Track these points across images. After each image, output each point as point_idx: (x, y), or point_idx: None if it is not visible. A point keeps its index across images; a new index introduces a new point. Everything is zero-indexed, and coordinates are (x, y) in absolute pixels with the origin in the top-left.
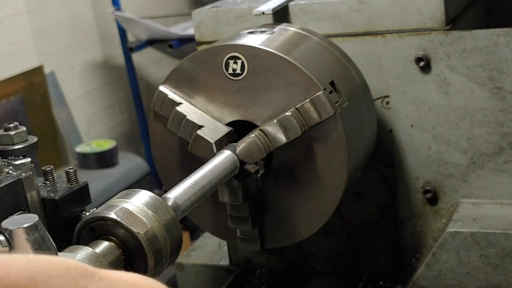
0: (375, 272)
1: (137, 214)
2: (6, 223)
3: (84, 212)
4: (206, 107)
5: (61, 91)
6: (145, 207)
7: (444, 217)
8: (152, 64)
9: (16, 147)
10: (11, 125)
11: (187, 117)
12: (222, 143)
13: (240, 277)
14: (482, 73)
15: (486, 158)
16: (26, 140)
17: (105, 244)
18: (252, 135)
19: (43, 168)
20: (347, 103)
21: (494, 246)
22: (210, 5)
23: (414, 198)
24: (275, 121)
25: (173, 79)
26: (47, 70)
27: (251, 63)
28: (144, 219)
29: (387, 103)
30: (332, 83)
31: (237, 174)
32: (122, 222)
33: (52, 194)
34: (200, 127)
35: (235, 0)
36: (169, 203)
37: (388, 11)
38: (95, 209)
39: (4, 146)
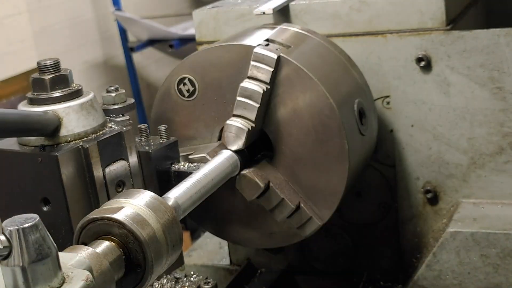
0: (376, 272)
1: (138, 214)
2: (7, 223)
3: (173, 165)
4: (191, 140)
5: None
6: (146, 207)
7: (444, 217)
8: (152, 64)
9: (116, 106)
10: (112, 87)
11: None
12: (217, 152)
13: (241, 277)
14: (482, 73)
15: (486, 158)
16: (125, 101)
17: (106, 243)
18: (229, 123)
19: (138, 126)
20: (291, 46)
21: (495, 246)
22: (210, 5)
23: (414, 198)
24: (237, 99)
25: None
26: None
27: (197, 73)
28: (145, 219)
29: (388, 103)
30: (269, 40)
31: (244, 165)
32: (123, 222)
33: (146, 148)
34: (189, 154)
35: (235, 0)
36: (170, 203)
37: (389, 11)
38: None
39: (107, 106)
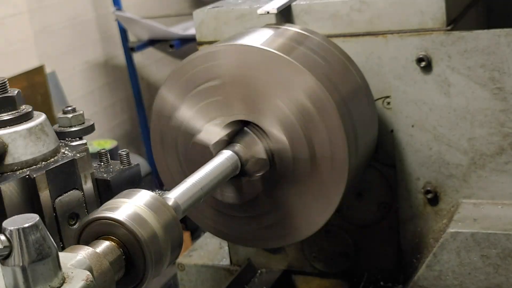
0: (376, 272)
1: (138, 214)
2: (7, 223)
3: None
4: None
5: (62, 91)
6: (146, 207)
7: (445, 218)
8: (153, 64)
9: (73, 129)
10: (69, 108)
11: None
12: (220, 146)
13: (241, 277)
14: (483, 74)
15: (487, 158)
16: (83, 123)
17: (106, 243)
18: (252, 135)
19: (98, 150)
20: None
21: (495, 247)
22: (211, 5)
23: (415, 199)
24: (275, 120)
25: (172, 80)
26: (48, 70)
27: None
28: (145, 219)
29: (388, 103)
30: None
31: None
32: (123, 222)
33: (105, 175)
34: (197, 133)
35: (236, 0)
36: (170, 203)
37: (389, 11)
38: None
39: (62, 128)
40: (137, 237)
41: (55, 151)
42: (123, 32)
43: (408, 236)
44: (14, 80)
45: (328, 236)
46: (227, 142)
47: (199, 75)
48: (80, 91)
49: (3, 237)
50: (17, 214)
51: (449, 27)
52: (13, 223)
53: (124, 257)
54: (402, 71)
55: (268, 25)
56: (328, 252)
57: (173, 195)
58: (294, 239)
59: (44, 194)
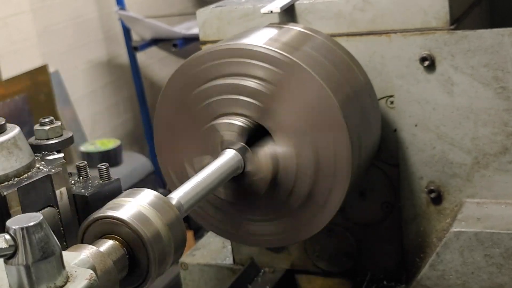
0: (379, 271)
1: (141, 213)
2: (11, 222)
3: None
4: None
5: (65, 90)
6: (149, 206)
7: (448, 217)
8: (156, 63)
9: (50, 142)
10: (47, 119)
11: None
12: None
13: (244, 277)
14: (486, 73)
15: (490, 158)
16: (60, 135)
17: (109, 242)
18: (229, 121)
19: (76, 164)
20: (296, 46)
21: (498, 246)
22: (214, 5)
23: (418, 198)
24: (238, 97)
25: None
26: (51, 69)
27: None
28: (149, 218)
29: (391, 102)
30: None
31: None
32: (126, 221)
33: (83, 191)
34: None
35: (239, 0)
36: (173, 203)
37: (393, 10)
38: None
39: (39, 141)
40: (141, 236)
41: (29, 166)
42: (126, 32)
43: (411, 235)
44: (17, 79)
45: (331, 235)
46: (231, 142)
47: (203, 74)
48: (83, 90)
49: (8, 236)
50: None
51: (452, 27)
52: (17, 222)
53: (127, 256)
54: (405, 70)
55: (271, 25)
56: (331, 251)
57: (176, 195)
58: (297, 239)
59: (16, 213)
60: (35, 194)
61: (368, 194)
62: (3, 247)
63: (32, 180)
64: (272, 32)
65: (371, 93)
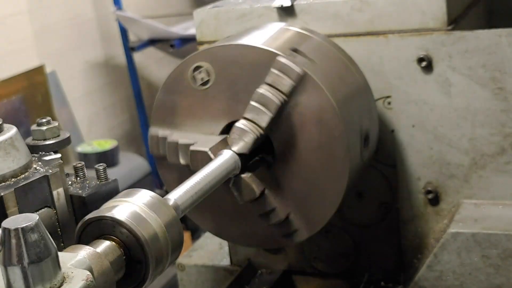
0: (377, 272)
1: (138, 213)
2: (6, 223)
3: None
4: (194, 128)
5: (62, 90)
6: (146, 207)
7: (445, 218)
8: (153, 63)
9: (48, 142)
10: (44, 120)
11: (179, 142)
12: (219, 149)
13: (241, 278)
14: (484, 74)
15: (488, 158)
16: (58, 136)
17: (106, 243)
18: (239, 126)
19: (73, 164)
20: (314, 61)
21: (496, 247)
22: (211, 5)
23: (415, 199)
24: (251, 103)
25: (156, 117)
26: (48, 69)
27: (215, 65)
28: (146, 219)
29: (389, 103)
30: (295, 50)
31: (245, 168)
32: (123, 221)
33: (80, 191)
34: (192, 144)
35: (236, 0)
36: (170, 203)
37: (390, 11)
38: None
39: (36, 141)
40: (138, 237)
41: (26, 167)
42: (124, 32)
43: (409, 236)
44: (14, 80)
45: (329, 236)
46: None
47: (175, 100)
48: (80, 90)
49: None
50: None
51: (450, 27)
52: (12, 222)
53: (124, 257)
54: (402, 71)
55: (270, 25)
56: (328, 252)
57: (173, 196)
58: (295, 240)
59: (13, 213)
60: (32, 195)
61: (365, 195)
62: None
63: (29, 180)
64: (269, 32)
65: (369, 93)
